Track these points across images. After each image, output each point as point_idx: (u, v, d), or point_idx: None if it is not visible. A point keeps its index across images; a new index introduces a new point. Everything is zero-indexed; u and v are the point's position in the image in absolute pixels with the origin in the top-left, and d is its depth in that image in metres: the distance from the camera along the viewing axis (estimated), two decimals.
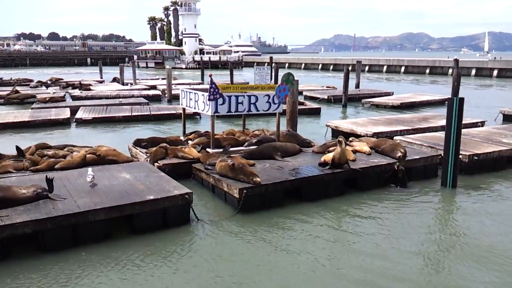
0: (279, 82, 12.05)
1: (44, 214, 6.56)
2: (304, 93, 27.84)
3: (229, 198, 8.51)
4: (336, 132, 15.04)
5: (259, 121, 18.52)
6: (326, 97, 26.22)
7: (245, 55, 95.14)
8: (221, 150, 10.81)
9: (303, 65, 76.91)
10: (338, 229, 7.53)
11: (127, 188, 7.81)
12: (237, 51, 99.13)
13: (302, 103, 21.26)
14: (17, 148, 10.16)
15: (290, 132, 12.39)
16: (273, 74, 30.64)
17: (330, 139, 14.75)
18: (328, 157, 9.40)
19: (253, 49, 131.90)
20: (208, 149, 10.93)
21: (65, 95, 26.61)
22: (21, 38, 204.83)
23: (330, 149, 10.01)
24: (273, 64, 34.46)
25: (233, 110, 11.29)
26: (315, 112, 21.27)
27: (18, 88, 28.82)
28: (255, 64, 75.46)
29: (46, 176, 7.50)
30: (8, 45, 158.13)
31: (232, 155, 9.74)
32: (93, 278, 5.85)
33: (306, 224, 7.73)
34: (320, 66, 73.31)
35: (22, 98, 25.39)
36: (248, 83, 34.96)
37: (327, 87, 32.59)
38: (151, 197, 7.31)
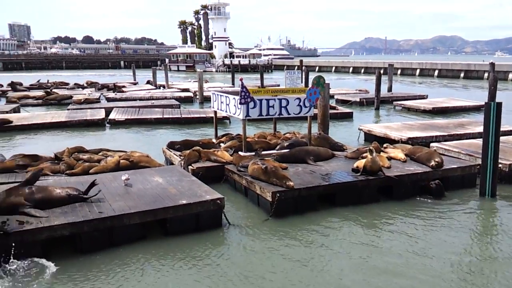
0: (310, 85, 11.94)
1: (81, 217, 6.68)
2: (336, 96, 27.58)
3: (262, 202, 8.47)
4: (369, 136, 14.79)
5: (290, 124, 18.42)
6: (358, 99, 25.91)
7: (277, 58, 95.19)
8: (253, 153, 10.79)
9: (333, 68, 76.34)
10: (370, 238, 7.32)
11: (160, 192, 7.88)
12: (268, 54, 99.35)
13: (333, 107, 21.03)
14: (54, 154, 10.45)
15: (322, 135, 12.27)
16: (303, 77, 30.54)
17: (363, 143, 14.54)
18: (361, 163, 9.25)
19: (285, 52, 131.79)
20: (240, 152, 10.93)
21: (100, 96, 27.24)
22: (57, 42, 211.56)
23: (364, 155, 9.84)
24: (303, 68, 34.27)
25: (264, 114, 11.26)
26: (347, 116, 21.02)
27: (55, 90, 29.69)
28: (285, 67, 75.51)
29: (93, 181, 7.62)
30: (45, 48, 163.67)
31: (264, 158, 9.71)
32: (125, 279, 5.93)
33: (338, 230, 7.60)
34: (351, 69, 72.59)
35: (59, 99, 26.15)
36: (279, 85, 35.00)
37: (359, 90, 32.19)
38: (184, 202, 7.35)
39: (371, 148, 9.24)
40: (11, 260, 6.09)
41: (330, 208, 8.54)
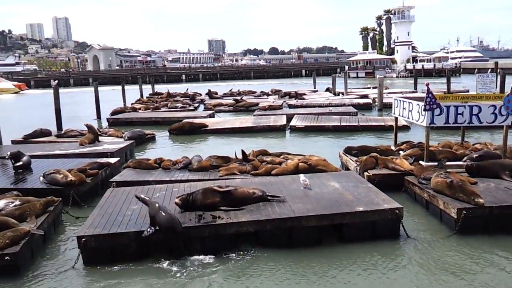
0: (508, 91, 10.59)
1: (264, 216, 7.21)
2: None
3: (445, 217, 7.84)
4: None
5: (480, 133, 16.60)
6: None
7: (467, 61, 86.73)
8: (435, 163, 10.08)
9: None
10: None
11: (336, 197, 7.98)
12: (458, 57, 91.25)
13: None
14: (243, 153, 11.40)
15: None
16: (498, 81, 27.15)
17: None
18: None
19: (477, 54, 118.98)
20: (421, 162, 10.33)
21: (282, 103, 28.82)
22: (247, 54, 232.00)
23: None
24: (499, 70, 30.47)
25: (452, 122, 10.43)
26: None
27: (245, 97, 32.58)
28: (475, 70, 68.14)
29: (280, 197, 8.01)
30: (236, 60, 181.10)
31: (448, 170, 8.98)
32: (302, 277, 6.18)
33: None
34: None
35: (247, 106, 28.55)
36: (468, 90, 31.84)
37: None
38: (361, 209, 7.32)
39: None
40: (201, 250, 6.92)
41: None
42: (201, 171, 10.79)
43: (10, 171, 11.30)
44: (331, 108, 25.25)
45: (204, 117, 23.19)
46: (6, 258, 6.41)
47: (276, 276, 6.29)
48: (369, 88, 40.78)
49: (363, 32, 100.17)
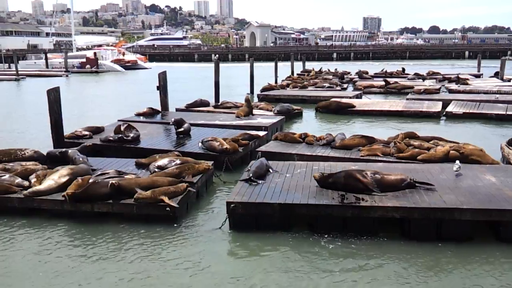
0: None
1: (412, 203, 6.91)
2: None
3: None
4: None
5: None
6: None
7: None
8: None
9: None
10: None
11: (494, 192, 7.31)
12: None
13: None
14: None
15: None
16: None
17: None
18: None
19: None
20: None
21: (440, 88, 26.71)
22: (404, 32, 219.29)
23: None
24: None
25: None
26: None
27: (397, 79, 30.97)
28: None
29: (428, 183, 7.67)
30: (391, 39, 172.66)
31: None
32: (448, 273, 5.91)
33: None
34: None
35: (399, 89, 27.13)
36: None
37: None
38: None
39: None
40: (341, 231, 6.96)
41: None
42: (343, 149, 10.81)
43: (173, 135, 12.79)
44: (497, 95, 22.56)
45: (351, 97, 22.80)
46: (167, 209, 7.40)
47: (423, 269, 6.02)
48: None
49: None
